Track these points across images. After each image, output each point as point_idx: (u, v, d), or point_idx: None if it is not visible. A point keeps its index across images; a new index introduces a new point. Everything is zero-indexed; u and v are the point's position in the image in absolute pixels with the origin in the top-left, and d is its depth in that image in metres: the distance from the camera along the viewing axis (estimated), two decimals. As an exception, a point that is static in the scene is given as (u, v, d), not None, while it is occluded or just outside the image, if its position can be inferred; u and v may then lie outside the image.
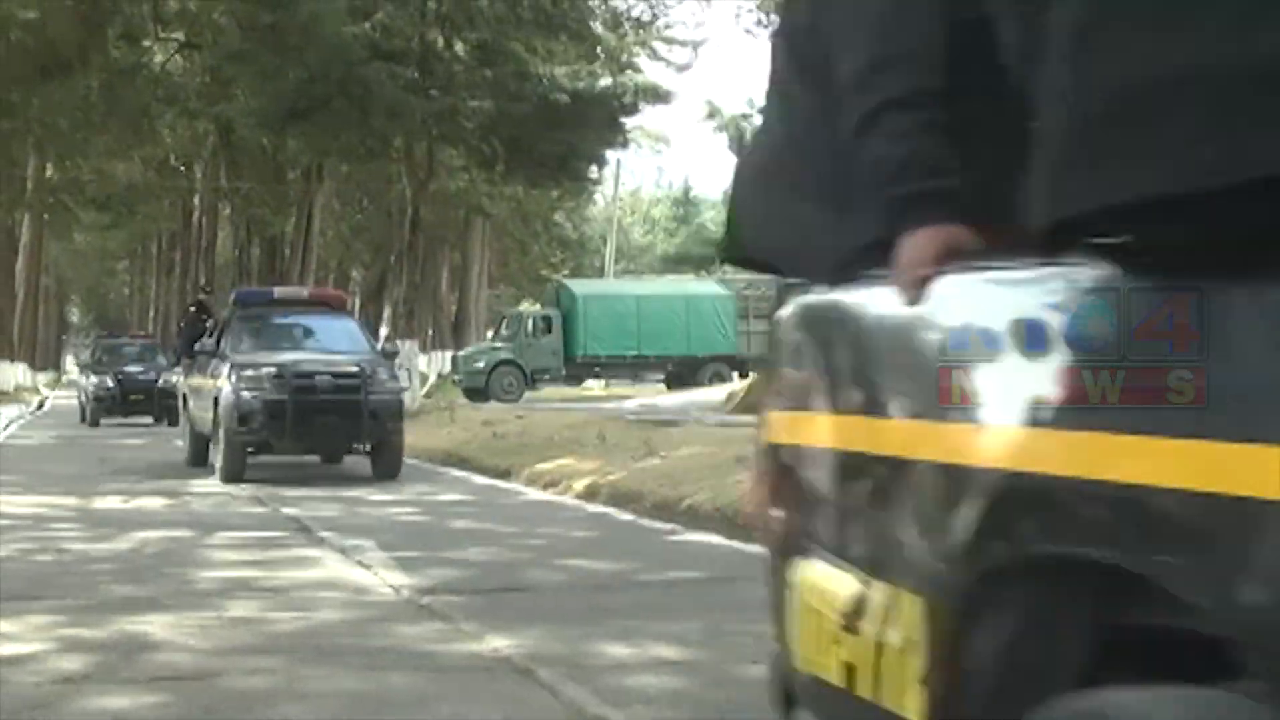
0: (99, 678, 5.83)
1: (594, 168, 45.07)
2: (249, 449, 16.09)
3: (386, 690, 5.67)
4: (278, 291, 20.35)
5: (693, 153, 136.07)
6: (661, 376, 42.78)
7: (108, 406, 30.65)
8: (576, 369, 40.39)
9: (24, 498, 13.54)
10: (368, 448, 16.50)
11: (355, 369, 16.27)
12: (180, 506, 13.18)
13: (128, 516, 12.10)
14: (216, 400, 16.17)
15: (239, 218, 46.91)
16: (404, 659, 6.26)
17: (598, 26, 39.23)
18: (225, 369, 16.30)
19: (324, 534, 10.77)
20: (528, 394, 36.97)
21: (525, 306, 43.50)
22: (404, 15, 33.53)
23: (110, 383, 30.90)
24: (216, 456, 16.27)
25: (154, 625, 6.91)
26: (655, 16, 44.12)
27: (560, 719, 5.32)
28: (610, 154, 48.46)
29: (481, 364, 38.03)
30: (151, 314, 64.43)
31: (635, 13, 43.44)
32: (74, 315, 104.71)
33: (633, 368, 42.88)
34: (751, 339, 42.23)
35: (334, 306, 19.56)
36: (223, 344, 17.27)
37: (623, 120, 41.61)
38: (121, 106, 33.70)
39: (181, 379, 20.71)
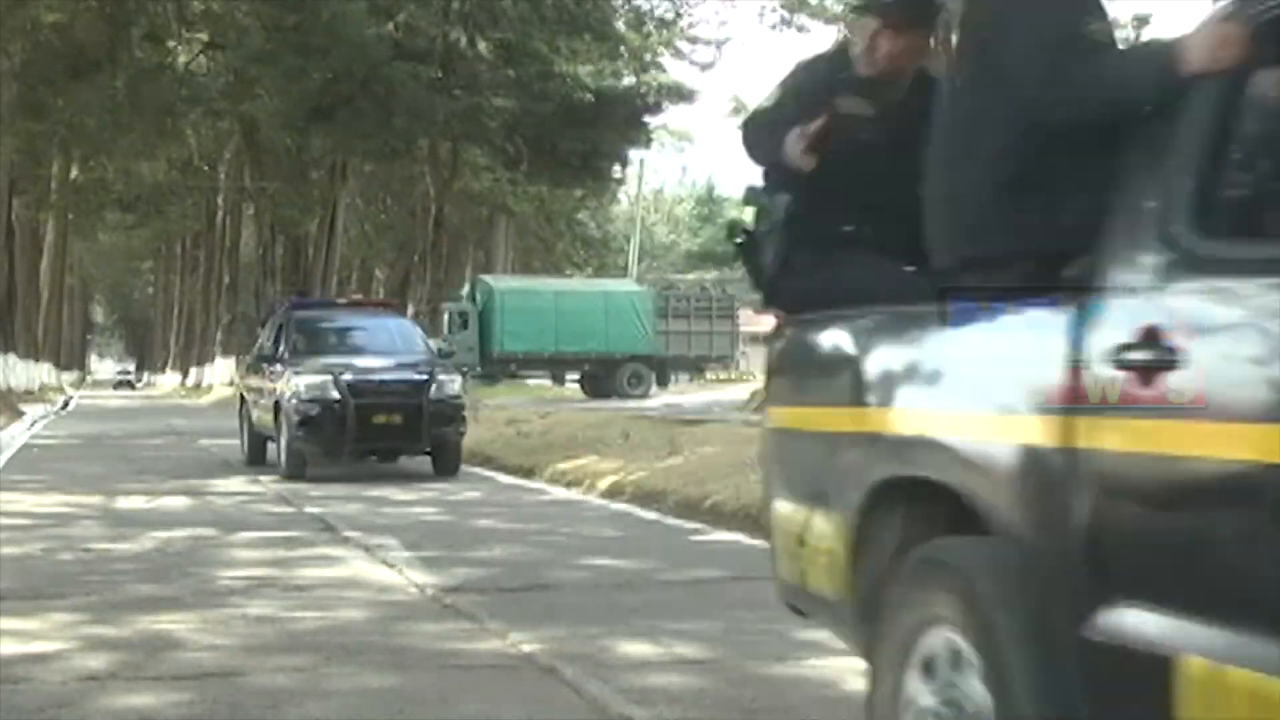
0: (124, 676, 5.83)
1: (617, 166, 45.13)
2: None
3: (411, 688, 5.66)
4: None
5: (717, 151, 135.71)
6: (577, 376, 41.57)
7: (329, 438, 15.99)
8: (493, 366, 39.58)
9: (49, 496, 13.59)
10: None
11: None
12: (203, 505, 13.19)
13: (151, 515, 12.12)
14: None
15: (263, 217, 47.07)
16: (428, 657, 6.26)
17: (621, 25, 39.29)
18: None
19: (348, 533, 10.77)
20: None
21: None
22: (427, 15, 33.65)
23: (333, 391, 15.98)
24: None
25: (178, 624, 6.91)
26: (678, 15, 44.11)
27: (584, 717, 5.30)
28: (634, 153, 48.59)
29: None
30: (176, 312, 64.61)
31: (659, 11, 43.45)
32: (98, 314, 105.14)
33: (550, 365, 41.86)
34: (670, 339, 40.99)
35: None
36: None
37: (646, 119, 41.64)
38: (146, 106, 33.82)
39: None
